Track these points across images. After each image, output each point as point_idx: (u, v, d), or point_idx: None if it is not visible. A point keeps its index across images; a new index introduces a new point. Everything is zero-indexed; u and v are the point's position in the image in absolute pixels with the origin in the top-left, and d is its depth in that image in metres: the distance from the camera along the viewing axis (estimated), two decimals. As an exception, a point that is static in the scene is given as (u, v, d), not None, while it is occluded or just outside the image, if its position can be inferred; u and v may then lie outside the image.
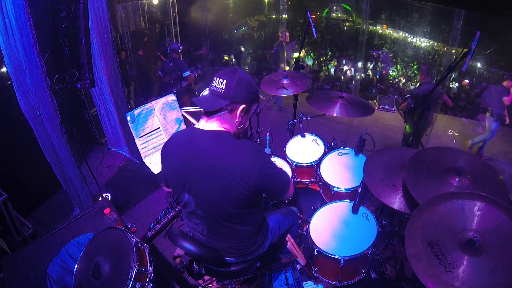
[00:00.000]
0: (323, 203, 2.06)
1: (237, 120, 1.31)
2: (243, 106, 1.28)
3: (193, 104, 1.95)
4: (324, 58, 9.17)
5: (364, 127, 4.85)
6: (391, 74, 8.25)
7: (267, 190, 1.33)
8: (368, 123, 5.09)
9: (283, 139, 2.80)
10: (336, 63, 9.02)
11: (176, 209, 2.90)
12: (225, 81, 1.25)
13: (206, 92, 1.37)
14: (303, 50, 8.48)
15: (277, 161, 2.45)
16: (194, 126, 1.39)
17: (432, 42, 7.77)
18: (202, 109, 1.32)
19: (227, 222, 1.37)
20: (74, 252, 1.92)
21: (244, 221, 1.40)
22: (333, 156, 2.43)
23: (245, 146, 1.29)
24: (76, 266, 1.57)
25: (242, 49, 9.32)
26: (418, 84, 3.78)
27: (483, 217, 1.17)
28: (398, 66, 8.48)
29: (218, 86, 1.27)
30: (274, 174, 1.30)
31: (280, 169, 1.36)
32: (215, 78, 1.30)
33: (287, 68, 5.42)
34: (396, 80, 8.15)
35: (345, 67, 8.62)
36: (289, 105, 5.63)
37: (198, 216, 1.40)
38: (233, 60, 8.99)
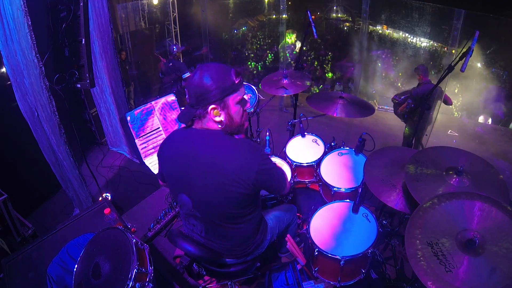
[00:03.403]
0: (323, 203, 2.05)
1: (214, 120, 1.27)
2: (211, 107, 1.24)
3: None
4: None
5: (364, 127, 4.84)
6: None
7: (265, 186, 1.34)
8: (368, 123, 5.09)
9: (283, 139, 2.80)
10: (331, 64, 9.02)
11: (176, 209, 2.90)
12: (187, 90, 1.27)
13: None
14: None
15: (277, 160, 2.45)
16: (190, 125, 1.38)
17: (432, 42, 7.76)
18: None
19: (225, 223, 1.37)
20: (74, 252, 1.92)
21: (242, 221, 1.40)
22: (333, 156, 2.43)
23: (242, 144, 1.29)
24: (76, 266, 1.56)
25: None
26: (417, 84, 3.78)
27: (483, 217, 1.17)
28: (398, 66, 8.49)
29: (186, 96, 1.29)
30: (271, 170, 1.32)
31: (275, 164, 1.37)
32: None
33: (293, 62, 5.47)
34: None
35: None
36: (291, 105, 5.63)
37: (195, 217, 1.40)
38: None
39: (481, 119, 6.51)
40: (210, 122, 1.29)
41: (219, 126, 1.29)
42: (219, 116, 1.27)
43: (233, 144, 1.28)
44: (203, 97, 1.23)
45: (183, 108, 1.36)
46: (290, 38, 5.64)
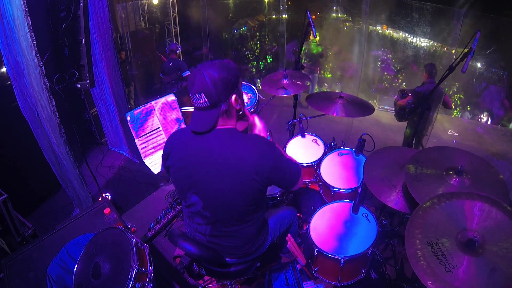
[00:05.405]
0: (323, 203, 2.05)
1: (236, 109, 1.31)
2: (233, 97, 1.27)
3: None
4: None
5: (364, 127, 4.85)
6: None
7: (279, 181, 1.34)
8: (368, 123, 5.09)
9: (283, 139, 2.80)
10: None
11: (176, 209, 2.90)
12: (202, 93, 1.21)
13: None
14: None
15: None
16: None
17: (432, 42, 7.77)
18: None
19: (234, 221, 1.38)
20: (74, 252, 1.92)
21: (249, 219, 1.41)
22: (333, 156, 2.43)
23: (257, 140, 1.31)
24: (76, 266, 1.57)
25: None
26: (422, 83, 3.78)
27: (483, 217, 1.17)
28: (398, 66, 8.50)
29: (201, 101, 1.23)
30: (286, 166, 1.32)
31: (291, 159, 1.37)
32: (191, 95, 1.26)
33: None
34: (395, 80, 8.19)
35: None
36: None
37: (203, 217, 1.40)
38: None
39: (481, 119, 6.51)
40: (230, 117, 1.30)
41: (240, 112, 1.32)
42: (238, 103, 1.30)
43: (248, 140, 1.29)
44: (226, 88, 1.23)
45: (192, 109, 1.33)
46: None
